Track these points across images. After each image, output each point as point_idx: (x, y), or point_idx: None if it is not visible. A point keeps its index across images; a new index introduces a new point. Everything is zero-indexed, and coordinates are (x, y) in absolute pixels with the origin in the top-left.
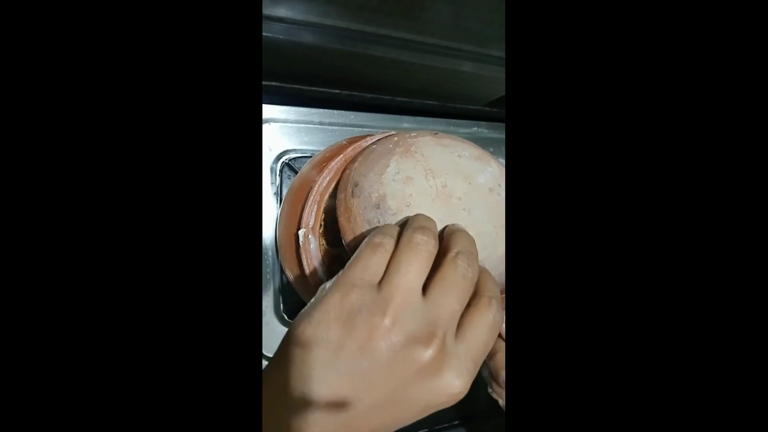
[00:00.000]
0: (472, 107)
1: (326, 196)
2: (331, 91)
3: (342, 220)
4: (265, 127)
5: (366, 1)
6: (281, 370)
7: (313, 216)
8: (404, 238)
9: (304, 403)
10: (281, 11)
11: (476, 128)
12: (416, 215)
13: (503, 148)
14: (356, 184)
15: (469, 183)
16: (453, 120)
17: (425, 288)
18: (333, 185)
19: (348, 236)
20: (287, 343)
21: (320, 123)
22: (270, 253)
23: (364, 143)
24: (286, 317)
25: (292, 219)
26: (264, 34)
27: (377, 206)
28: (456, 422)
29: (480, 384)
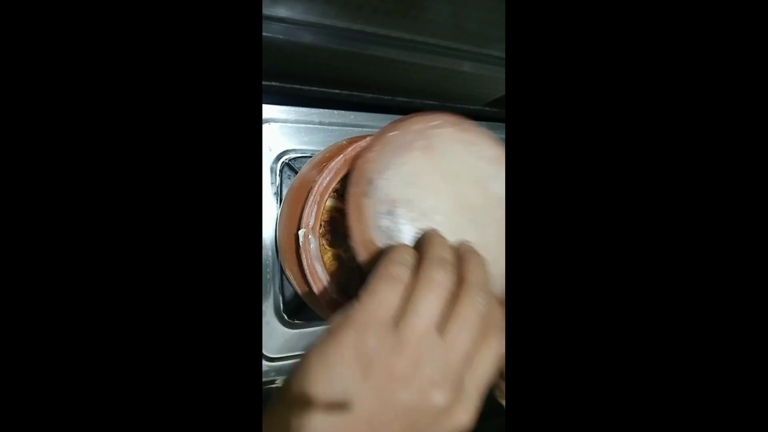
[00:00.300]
0: (471, 107)
1: (326, 196)
2: (331, 91)
3: (352, 219)
4: (265, 127)
5: (365, 0)
6: (290, 407)
7: (313, 216)
8: (423, 273)
9: None
10: (281, 11)
11: None
12: (432, 239)
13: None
14: (370, 182)
15: (485, 192)
16: None
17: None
18: (333, 185)
19: (357, 238)
20: (299, 380)
21: (320, 123)
22: (270, 253)
23: (364, 143)
24: (286, 317)
25: (292, 219)
26: (264, 34)
27: (390, 212)
28: None
29: None
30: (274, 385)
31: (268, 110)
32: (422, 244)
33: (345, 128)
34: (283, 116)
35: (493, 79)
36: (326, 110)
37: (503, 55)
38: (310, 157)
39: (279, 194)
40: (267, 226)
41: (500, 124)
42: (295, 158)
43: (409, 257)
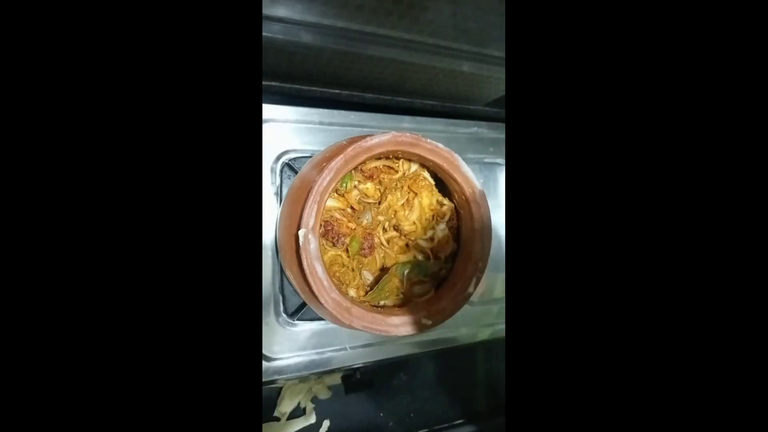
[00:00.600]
0: (471, 107)
1: (326, 196)
2: (331, 91)
3: None
4: (265, 127)
5: (365, 0)
6: None
7: (313, 216)
8: None
9: None
10: (280, 11)
11: (476, 128)
12: None
13: (503, 148)
14: None
15: None
16: (453, 120)
17: None
18: (333, 185)
19: None
20: None
21: (320, 123)
22: (270, 253)
23: (364, 143)
24: (286, 317)
25: (292, 219)
26: (264, 34)
27: None
28: (456, 422)
29: (480, 384)
30: (274, 385)
31: (268, 110)
32: None
33: (345, 128)
34: (283, 116)
35: (493, 79)
36: (326, 110)
37: (503, 55)
38: (310, 157)
39: (279, 194)
40: (267, 226)
41: (500, 124)
42: (295, 158)
43: None
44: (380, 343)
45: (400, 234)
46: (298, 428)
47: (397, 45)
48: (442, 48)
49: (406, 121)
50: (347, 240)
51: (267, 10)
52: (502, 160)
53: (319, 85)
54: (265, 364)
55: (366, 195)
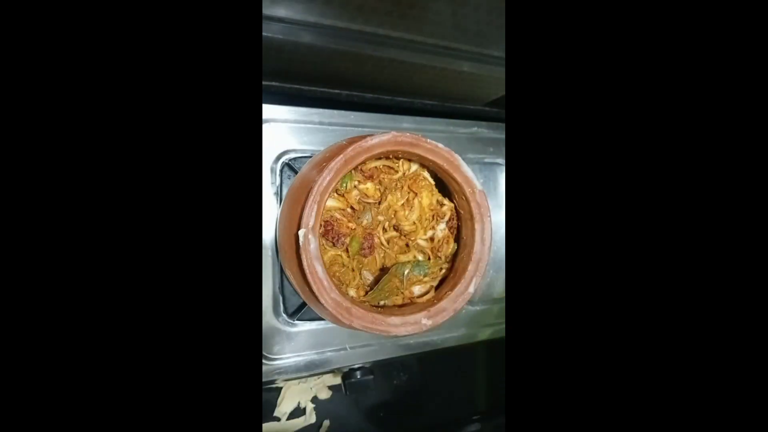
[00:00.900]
0: (471, 107)
1: (326, 196)
2: (331, 91)
3: None
4: (265, 127)
5: (365, 0)
6: None
7: (313, 216)
8: None
9: None
10: (280, 11)
11: (476, 128)
12: None
13: (503, 148)
14: None
15: None
16: (453, 120)
17: None
18: (333, 185)
19: None
20: None
21: (320, 123)
22: (270, 253)
23: (364, 143)
24: (286, 317)
25: (292, 219)
26: (264, 34)
27: None
28: (456, 422)
29: (480, 384)
30: (274, 385)
31: (268, 110)
32: None
33: (345, 128)
34: (283, 116)
35: (493, 79)
36: (326, 110)
37: (503, 55)
38: (310, 157)
39: (279, 194)
40: (267, 226)
41: (500, 124)
42: (295, 158)
43: None
44: (380, 343)
45: (400, 234)
46: (298, 428)
47: (397, 45)
48: (442, 48)
49: (406, 121)
50: (347, 240)
51: (267, 10)
52: (502, 160)
53: (319, 85)
54: (265, 364)
55: (366, 195)
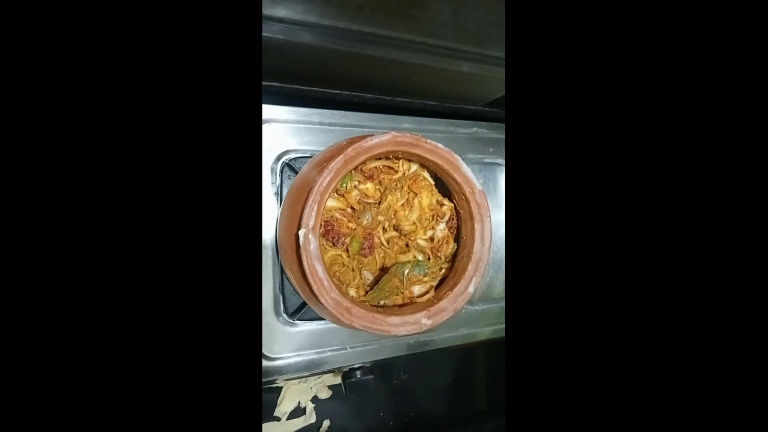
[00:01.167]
0: (471, 107)
1: (326, 196)
2: (331, 91)
3: None
4: (265, 127)
5: (365, 1)
6: None
7: (313, 216)
8: None
9: None
10: (280, 11)
11: (476, 128)
12: None
13: (503, 148)
14: None
15: None
16: (452, 120)
17: None
18: (333, 185)
19: None
20: None
21: (320, 123)
22: (270, 253)
23: (364, 143)
24: (286, 317)
25: (292, 219)
26: (264, 34)
27: None
28: (456, 422)
29: (480, 384)
30: (274, 385)
31: (268, 110)
32: None
33: (345, 128)
34: (283, 116)
35: (493, 79)
36: (326, 110)
37: (503, 55)
38: (310, 157)
39: (279, 194)
40: (267, 226)
41: (500, 124)
42: (295, 158)
43: None
44: (380, 343)
45: (400, 234)
46: (298, 428)
47: (397, 45)
48: (442, 48)
49: (406, 121)
50: (347, 240)
51: (267, 10)
52: (502, 160)
53: (319, 85)
54: (265, 364)
55: (366, 195)
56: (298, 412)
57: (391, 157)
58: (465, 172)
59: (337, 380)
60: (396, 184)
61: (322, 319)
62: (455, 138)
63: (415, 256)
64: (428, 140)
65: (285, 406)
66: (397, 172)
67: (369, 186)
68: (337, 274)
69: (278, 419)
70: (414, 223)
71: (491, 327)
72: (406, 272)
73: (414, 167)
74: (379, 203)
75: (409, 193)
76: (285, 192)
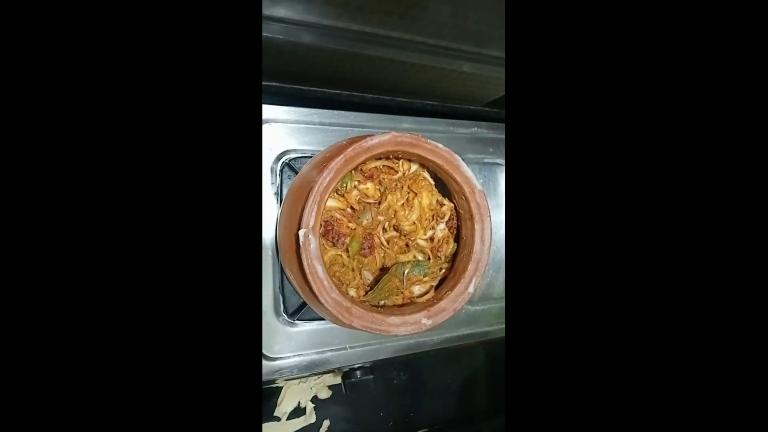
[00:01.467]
0: (471, 107)
1: (326, 196)
2: (331, 91)
3: None
4: (265, 127)
5: (365, 1)
6: None
7: (313, 216)
8: None
9: None
10: (280, 11)
11: (476, 128)
12: None
13: (503, 148)
14: None
15: None
16: (452, 120)
17: None
18: (333, 185)
19: None
20: None
21: (320, 123)
22: (270, 253)
23: (364, 143)
24: (286, 317)
25: (292, 219)
26: (264, 34)
27: None
28: (456, 422)
29: (480, 384)
30: (274, 385)
31: (268, 110)
32: None
33: (345, 128)
34: (283, 116)
35: (493, 79)
36: (326, 110)
37: (503, 55)
38: (310, 157)
39: (279, 194)
40: (267, 226)
41: (500, 124)
42: (295, 158)
43: None
44: (380, 343)
45: (400, 234)
46: (298, 428)
47: (397, 45)
48: (442, 48)
49: (406, 121)
50: (347, 240)
51: (267, 10)
52: (502, 160)
53: (319, 85)
54: (265, 364)
55: (366, 195)
56: (298, 412)
57: (391, 157)
58: (465, 172)
59: (337, 380)
60: (396, 184)
61: (322, 319)
62: (455, 138)
63: (415, 256)
64: (428, 140)
65: (285, 406)
66: (397, 172)
67: (369, 186)
68: (337, 274)
69: (278, 419)
70: (414, 223)
71: (491, 327)
72: (406, 272)
73: (414, 167)
74: (379, 203)
75: (409, 193)
76: (285, 192)
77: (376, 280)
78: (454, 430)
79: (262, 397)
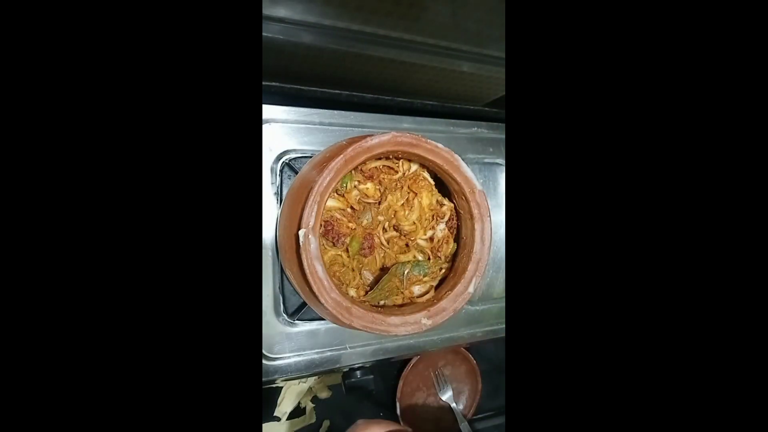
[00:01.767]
0: (471, 107)
1: (326, 196)
2: (331, 91)
3: None
4: (265, 127)
5: (365, 1)
6: None
7: (313, 216)
8: None
9: None
10: (280, 11)
11: (476, 128)
12: None
13: (503, 148)
14: None
15: None
16: (452, 120)
17: None
18: (333, 185)
19: None
20: None
21: (320, 123)
22: (270, 253)
23: (364, 143)
24: (286, 317)
25: (292, 219)
26: (264, 34)
27: None
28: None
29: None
30: (274, 385)
31: (268, 110)
32: None
33: (345, 128)
34: (283, 116)
35: (493, 79)
36: (326, 110)
37: (503, 55)
38: (310, 157)
39: (279, 194)
40: (267, 226)
41: (500, 124)
42: (295, 158)
43: None
44: (380, 343)
45: (400, 234)
46: (298, 428)
47: (397, 45)
48: (442, 48)
49: (406, 121)
50: (347, 240)
51: (267, 10)
52: (502, 160)
53: (319, 85)
54: (265, 364)
55: (366, 195)
56: (298, 412)
57: (391, 157)
58: (465, 172)
59: (337, 380)
60: (396, 184)
61: (322, 319)
62: (455, 138)
63: (415, 256)
64: (428, 140)
65: (285, 406)
66: (397, 172)
67: (369, 186)
68: (337, 274)
69: (278, 419)
70: (414, 223)
71: (491, 327)
72: (406, 272)
73: (414, 167)
74: (379, 203)
75: (409, 193)
76: (285, 192)
77: (376, 280)
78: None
79: (262, 397)
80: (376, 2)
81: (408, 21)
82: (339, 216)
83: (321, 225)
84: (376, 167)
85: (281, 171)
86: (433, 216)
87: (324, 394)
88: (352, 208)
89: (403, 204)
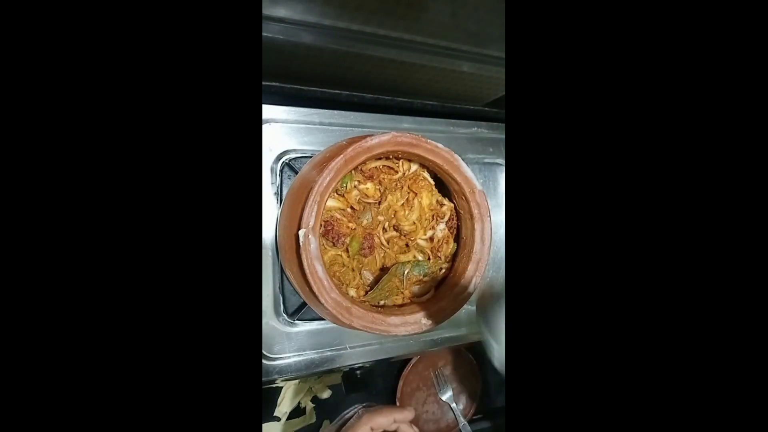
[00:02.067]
0: (471, 107)
1: (326, 196)
2: (331, 91)
3: None
4: (265, 127)
5: (365, 1)
6: None
7: (313, 216)
8: None
9: None
10: (280, 11)
11: (476, 128)
12: None
13: (503, 148)
14: None
15: None
16: (452, 120)
17: None
18: (333, 185)
19: None
20: None
21: (320, 123)
22: (270, 253)
23: (364, 143)
24: (286, 317)
25: (292, 219)
26: (264, 34)
27: None
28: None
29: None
30: (274, 385)
31: (268, 110)
32: None
33: (345, 128)
34: (283, 116)
35: (493, 79)
36: (326, 110)
37: (503, 55)
38: (310, 157)
39: (279, 194)
40: (267, 226)
41: (500, 124)
42: (295, 158)
43: None
44: (380, 343)
45: (400, 234)
46: (298, 428)
47: (397, 45)
48: (442, 48)
49: (406, 121)
50: (347, 240)
51: (267, 10)
52: (502, 160)
53: (319, 85)
54: (265, 364)
55: (366, 195)
56: (298, 412)
57: (391, 157)
58: (465, 172)
59: (337, 380)
60: (396, 184)
61: (322, 319)
62: (455, 138)
63: (415, 256)
64: (428, 140)
65: (285, 406)
66: (397, 172)
67: (369, 186)
68: (337, 274)
69: (278, 419)
70: (414, 223)
71: None
72: (406, 272)
73: (414, 167)
74: (379, 203)
75: (409, 193)
76: (285, 192)
77: (376, 280)
78: (453, 430)
79: (262, 397)
80: (376, 2)
81: (408, 21)
82: (339, 216)
83: (321, 225)
84: (376, 167)
85: (281, 171)
86: (433, 216)
87: (324, 394)
88: (352, 208)
89: (403, 204)
